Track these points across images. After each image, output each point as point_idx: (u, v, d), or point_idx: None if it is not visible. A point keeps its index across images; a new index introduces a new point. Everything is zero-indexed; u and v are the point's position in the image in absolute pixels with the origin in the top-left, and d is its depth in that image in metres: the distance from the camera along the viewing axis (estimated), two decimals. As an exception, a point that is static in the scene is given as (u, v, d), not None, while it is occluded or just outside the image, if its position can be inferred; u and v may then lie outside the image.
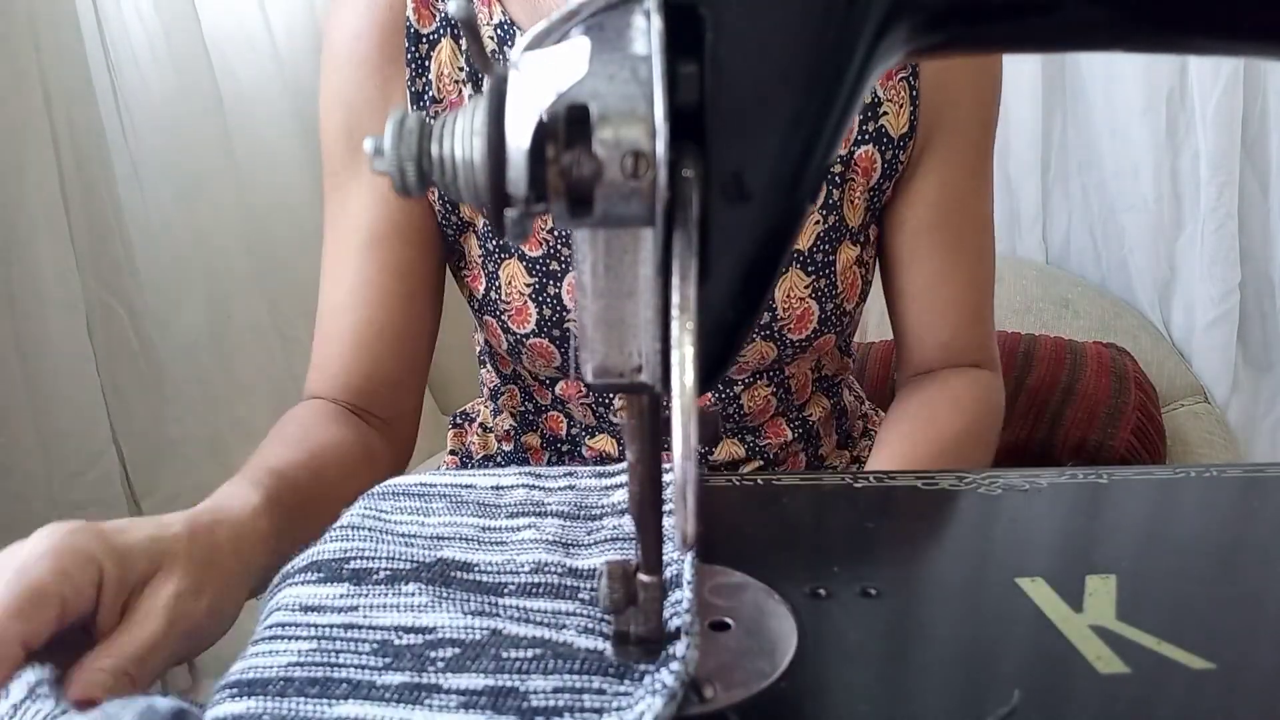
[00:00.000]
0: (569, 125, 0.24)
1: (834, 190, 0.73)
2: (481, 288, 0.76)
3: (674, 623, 0.34)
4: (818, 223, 0.72)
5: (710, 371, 0.29)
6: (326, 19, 0.76)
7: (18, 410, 1.24)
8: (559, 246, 0.72)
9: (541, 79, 0.24)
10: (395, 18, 0.72)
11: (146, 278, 1.36)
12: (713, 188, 0.25)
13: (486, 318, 0.77)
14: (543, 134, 0.24)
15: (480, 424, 0.91)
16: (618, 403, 0.82)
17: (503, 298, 0.75)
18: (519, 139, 0.24)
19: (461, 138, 0.25)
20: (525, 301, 0.74)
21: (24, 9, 1.18)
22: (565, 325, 0.74)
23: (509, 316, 0.75)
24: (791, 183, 0.27)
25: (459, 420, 0.94)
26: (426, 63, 0.72)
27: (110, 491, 1.31)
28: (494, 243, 0.75)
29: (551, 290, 0.73)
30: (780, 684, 0.32)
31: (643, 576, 0.32)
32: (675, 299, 0.24)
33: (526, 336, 0.75)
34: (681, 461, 0.25)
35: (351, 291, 0.73)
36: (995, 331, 0.83)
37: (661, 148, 0.23)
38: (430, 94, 0.72)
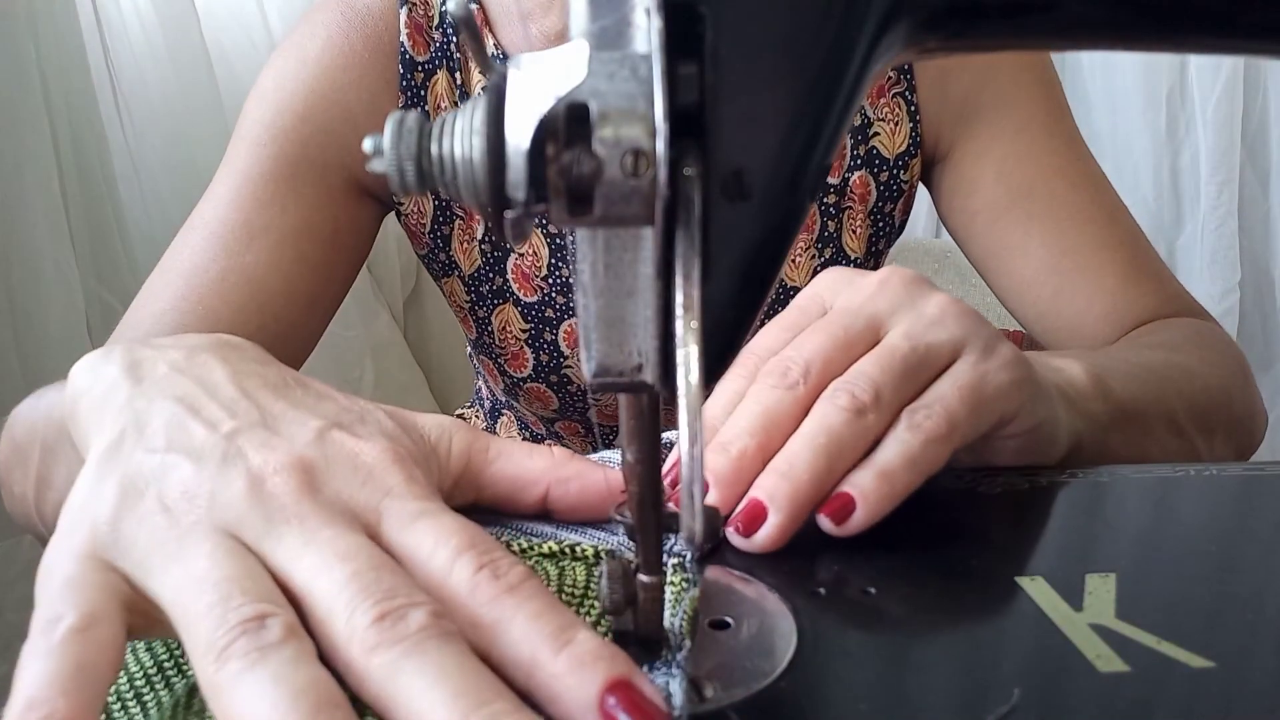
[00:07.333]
0: (569, 124, 0.24)
1: (829, 222, 0.70)
2: (473, 334, 0.75)
3: (675, 621, 0.34)
4: (814, 257, 0.70)
5: (711, 371, 0.29)
6: (304, 14, 0.73)
7: (18, 410, 1.23)
8: (553, 294, 0.71)
9: (541, 78, 0.24)
10: (389, 39, 0.69)
11: (146, 278, 1.36)
12: (713, 186, 0.25)
13: (482, 357, 0.76)
14: (542, 133, 0.24)
15: None
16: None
17: (497, 343, 0.73)
18: (519, 138, 0.24)
19: (461, 136, 0.25)
20: (521, 347, 0.73)
21: (24, 9, 1.18)
22: (563, 371, 0.73)
23: (505, 361, 0.74)
24: (792, 180, 0.27)
25: None
26: (422, 92, 0.70)
27: (110, 491, 1.31)
28: (487, 287, 0.72)
29: (548, 336, 0.72)
30: (780, 684, 0.32)
31: (643, 577, 0.32)
32: (679, 299, 0.24)
33: (524, 380, 0.74)
34: (689, 460, 0.25)
35: (271, 268, 0.66)
36: (1176, 290, 0.69)
37: (662, 146, 0.23)
38: None
